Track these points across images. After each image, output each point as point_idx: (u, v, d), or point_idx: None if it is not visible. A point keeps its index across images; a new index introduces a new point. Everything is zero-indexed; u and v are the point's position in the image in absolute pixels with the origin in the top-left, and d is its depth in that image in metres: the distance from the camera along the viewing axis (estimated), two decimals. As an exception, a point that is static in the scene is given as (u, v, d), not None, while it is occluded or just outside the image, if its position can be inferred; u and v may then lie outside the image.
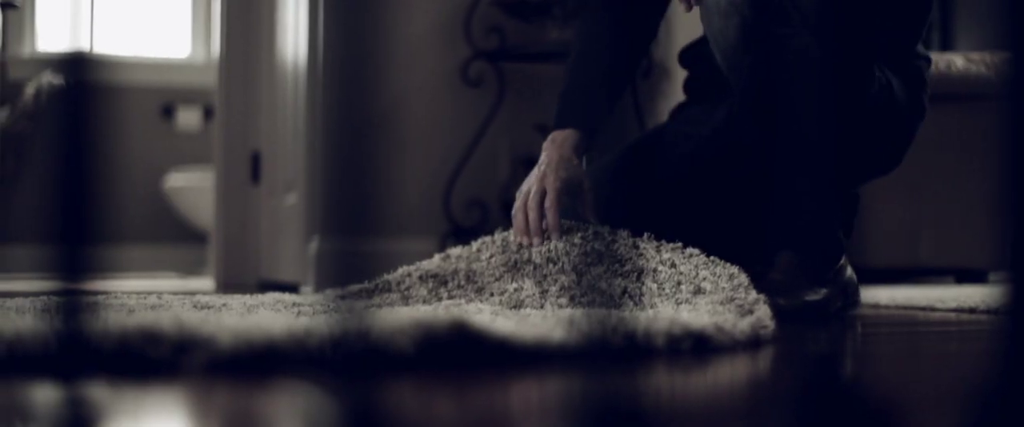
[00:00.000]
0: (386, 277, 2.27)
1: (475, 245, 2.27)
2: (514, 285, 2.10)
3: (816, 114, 2.16)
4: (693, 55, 2.58)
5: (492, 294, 2.11)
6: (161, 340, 1.13)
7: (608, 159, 2.50)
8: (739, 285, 1.92)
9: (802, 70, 2.14)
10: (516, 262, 2.16)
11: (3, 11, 4.07)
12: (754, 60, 2.13)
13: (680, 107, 2.63)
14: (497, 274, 2.16)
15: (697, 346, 1.46)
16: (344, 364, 1.11)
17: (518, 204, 2.21)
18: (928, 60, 2.42)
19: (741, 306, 1.78)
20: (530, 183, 2.23)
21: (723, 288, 1.90)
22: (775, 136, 2.17)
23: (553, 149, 2.25)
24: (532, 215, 2.17)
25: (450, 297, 2.15)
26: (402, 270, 2.28)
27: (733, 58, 2.15)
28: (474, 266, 2.20)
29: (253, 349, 1.15)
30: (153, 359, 1.13)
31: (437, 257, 2.30)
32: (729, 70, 2.18)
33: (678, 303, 1.89)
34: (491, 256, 2.21)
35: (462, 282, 2.18)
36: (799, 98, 2.15)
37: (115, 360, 1.14)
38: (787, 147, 2.16)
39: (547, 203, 2.17)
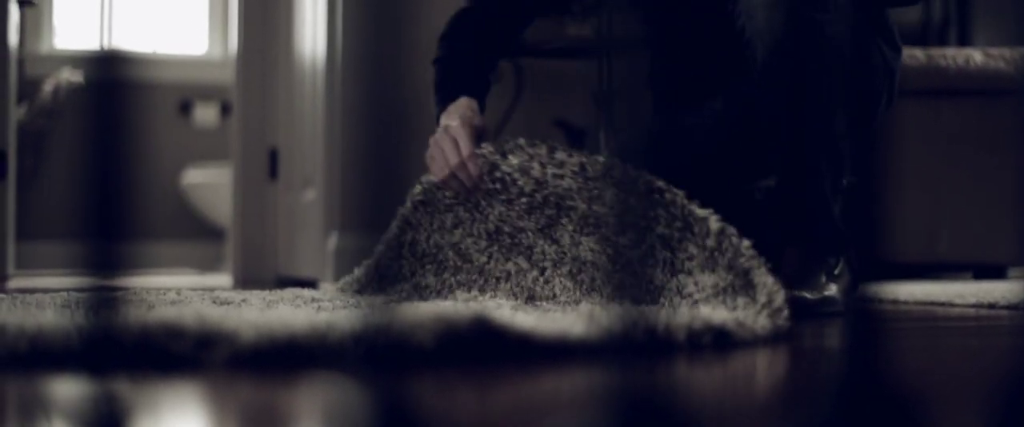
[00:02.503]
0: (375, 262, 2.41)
1: (413, 203, 2.38)
2: (511, 265, 2.17)
3: (840, 104, 2.17)
4: (658, 73, 2.61)
5: (498, 279, 2.18)
6: (183, 335, 1.14)
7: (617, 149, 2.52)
8: (736, 252, 1.91)
9: (834, 59, 2.15)
10: (495, 232, 2.23)
11: (21, 8, 4.08)
12: (793, 48, 2.13)
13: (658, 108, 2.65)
14: (485, 251, 2.24)
15: (717, 341, 1.46)
16: (366, 359, 1.11)
17: (452, 165, 2.29)
18: None
19: (756, 299, 1.79)
20: (440, 145, 2.32)
21: (725, 268, 1.92)
22: (797, 125, 2.17)
23: (452, 114, 2.37)
24: (466, 173, 2.27)
25: (458, 284, 2.23)
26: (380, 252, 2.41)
27: (776, 49, 2.14)
28: (458, 243, 2.27)
29: (275, 344, 1.15)
30: (176, 354, 1.14)
31: (394, 226, 2.40)
32: (772, 59, 2.16)
33: (690, 295, 1.91)
34: (458, 226, 2.29)
35: (458, 262, 2.26)
36: (827, 88, 2.15)
37: (137, 355, 1.14)
38: (808, 136, 2.16)
39: (465, 153, 2.28)
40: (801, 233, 2.22)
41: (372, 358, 1.12)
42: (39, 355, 1.15)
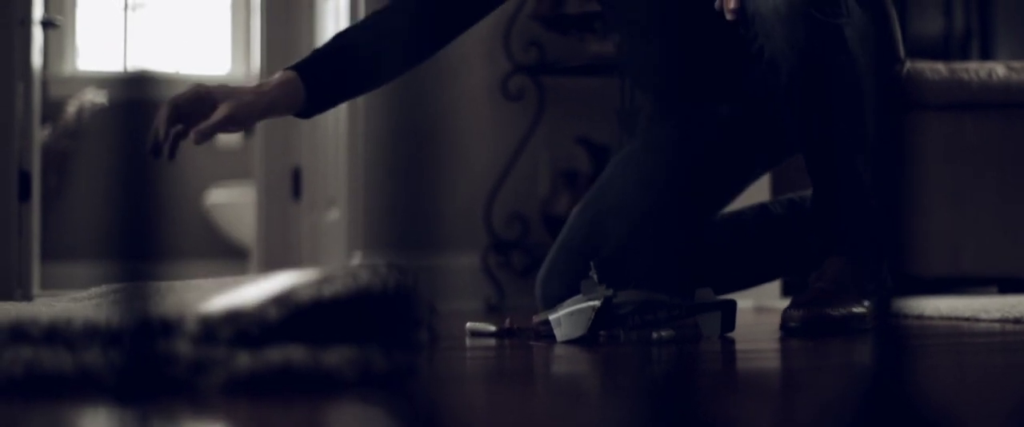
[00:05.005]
0: None
1: None
2: None
3: (869, 105, 2.16)
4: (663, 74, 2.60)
5: None
6: (177, 360, 1.12)
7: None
8: None
9: (858, 61, 2.15)
10: None
11: (44, 29, 4.10)
12: (818, 56, 2.13)
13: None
14: None
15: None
16: (359, 382, 1.11)
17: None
18: None
19: None
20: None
21: None
22: (829, 134, 2.17)
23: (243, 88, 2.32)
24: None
25: None
26: None
27: (801, 60, 2.13)
28: None
29: (270, 368, 1.13)
30: (171, 379, 1.12)
31: None
32: (798, 71, 2.14)
33: None
34: None
35: None
36: (854, 91, 2.15)
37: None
38: (842, 143, 2.16)
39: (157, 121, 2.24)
40: (844, 240, 2.20)
41: (365, 381, 1.12)
42: (36, 380, 1.15)
